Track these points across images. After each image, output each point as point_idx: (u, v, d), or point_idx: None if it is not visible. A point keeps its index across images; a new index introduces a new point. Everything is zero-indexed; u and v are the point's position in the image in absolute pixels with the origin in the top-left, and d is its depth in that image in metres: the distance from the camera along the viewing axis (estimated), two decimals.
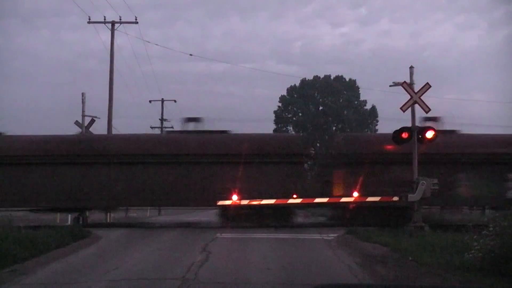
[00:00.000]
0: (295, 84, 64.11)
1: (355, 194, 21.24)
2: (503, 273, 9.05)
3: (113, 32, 32.82)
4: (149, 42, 78.39)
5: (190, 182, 21.72)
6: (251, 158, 21.44)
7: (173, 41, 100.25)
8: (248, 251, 13.72)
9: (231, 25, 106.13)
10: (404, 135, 18.33)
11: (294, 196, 21.44)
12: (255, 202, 21.57)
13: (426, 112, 18.51)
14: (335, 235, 17.07)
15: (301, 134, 48.38)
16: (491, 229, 10.08)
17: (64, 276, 10.25)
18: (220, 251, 13.68)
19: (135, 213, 33.79)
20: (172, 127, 45.38)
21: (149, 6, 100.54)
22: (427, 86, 18.25)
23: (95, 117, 32.45)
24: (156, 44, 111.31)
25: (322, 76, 64.67)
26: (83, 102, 32.56)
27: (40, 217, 24.29)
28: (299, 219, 23.98)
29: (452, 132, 22.80)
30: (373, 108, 63.55)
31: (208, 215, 30.81)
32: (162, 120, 46.59)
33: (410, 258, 11.45)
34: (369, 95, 75.87)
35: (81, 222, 21.92)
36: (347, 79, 64.37)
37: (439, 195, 18.52)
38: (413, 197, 17.86)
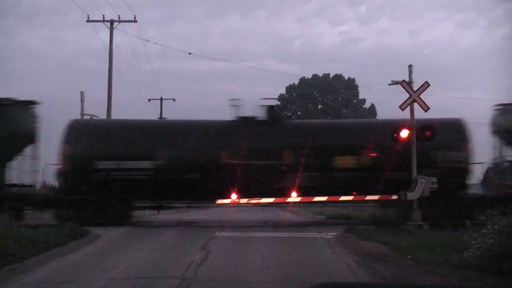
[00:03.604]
0: (294, 83, 64.19)
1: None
2: (502, 272, 9.06)
3: (112, 30, 32.84)
4: (148, 40, 78.29)
5: None
6: None
7: (172, 40, 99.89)
8: (247, 250, 13.71)
9: (231, 24, 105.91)
10: (403, 134, 18.34)
11: (294, 194, 21.42)
12: (254, 201, 21.55)
13: (425, 111, 18.51)
14: (334, 233, 17.06)
15: None
16: (489, 227, 10.10)
17: (63, 274, 10.24)
18: (219, 250, 13.66)
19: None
20: None
21: (148, 4, 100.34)
22: (426, 85, 18.27)
23: (94, 115, 32.48)
24: (155, 43, 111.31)
25: (321, 74, 64.80)
26: (82, 101, 32.62)
27: None
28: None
29: None
30: (372, 106, 63.63)
31: (207, 214, 30.83)
32: (161, 119, 46.47)
33: (409, 257, 11.46)
34: (368, 94, 75.68)
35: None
36: (346, 78, 64.51)
37: None
38: (412, 195, 17.86)
